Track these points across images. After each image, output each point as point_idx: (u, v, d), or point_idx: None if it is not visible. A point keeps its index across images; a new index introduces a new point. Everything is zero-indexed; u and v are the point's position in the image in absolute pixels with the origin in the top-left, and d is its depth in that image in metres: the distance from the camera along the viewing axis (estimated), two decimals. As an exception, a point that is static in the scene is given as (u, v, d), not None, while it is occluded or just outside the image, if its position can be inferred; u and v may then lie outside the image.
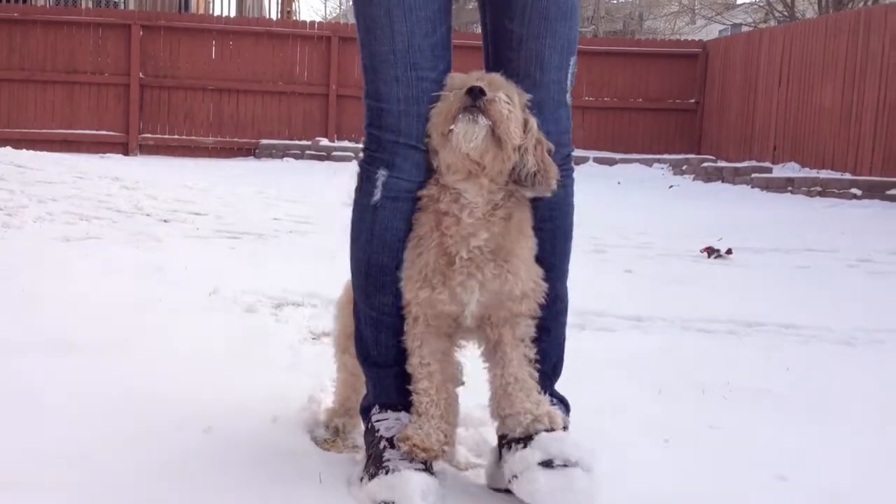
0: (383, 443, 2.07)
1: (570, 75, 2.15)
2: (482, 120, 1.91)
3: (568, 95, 2.15)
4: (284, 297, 4.09)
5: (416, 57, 2.04)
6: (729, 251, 6.44)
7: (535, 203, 2.10)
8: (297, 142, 15.17)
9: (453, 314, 2.04)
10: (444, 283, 1.99)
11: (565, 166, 2.15)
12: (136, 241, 5.73)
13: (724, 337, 3.92)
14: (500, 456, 2.05)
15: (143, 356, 2.97)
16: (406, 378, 2.11)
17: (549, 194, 2.04)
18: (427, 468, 2.00)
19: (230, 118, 15.36)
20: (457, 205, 1.99)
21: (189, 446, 2.17)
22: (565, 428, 2.03)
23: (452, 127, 1.93)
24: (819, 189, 11.19)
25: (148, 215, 6.98)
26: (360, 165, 2.15)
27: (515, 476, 1.92)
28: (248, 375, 2.82)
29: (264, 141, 15.10)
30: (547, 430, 1.96)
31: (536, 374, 2.07)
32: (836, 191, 11.06)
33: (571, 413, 2.23)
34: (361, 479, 2.01)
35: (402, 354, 2.11)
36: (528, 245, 2.07)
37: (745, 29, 21.85)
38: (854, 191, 10.91)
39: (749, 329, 4.05)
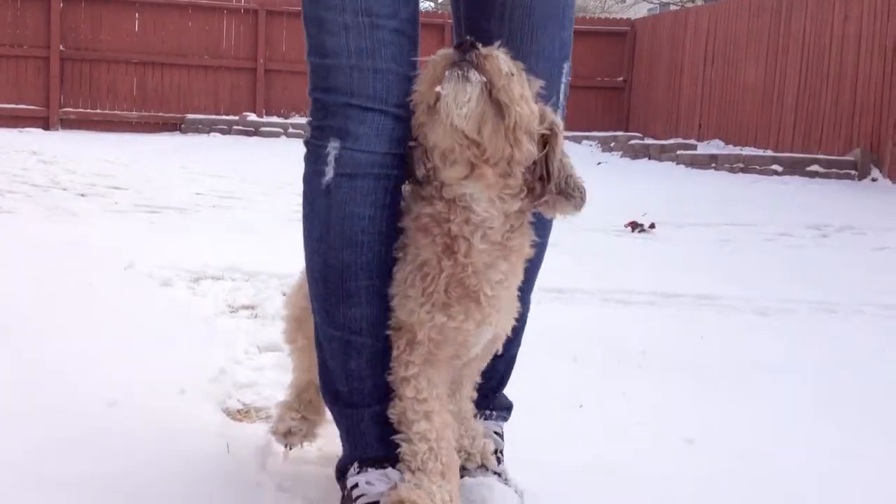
0: None
1: (562, 86, 1.75)
2: (475, 76, 1.47)
3: (559, 113, 1.72)
4: (203, 271, 4.02)
5: (370, 0, 1.61)
6: (652, 226, 6.54)
7: None
8: (224, 116, 14.91)
9: (467, 347, 1.68)
10: (467, 313, 1.62)
11: None
12: (52, 215, 5.58)
13: (643, 308, 3.98)
14: None
15: (53, 332, 2.88)
16: (390, 422, 1.67)
17: (576, 212, 1.61)
18: None
19: (154, 92, 15.00)
20: (468, 226, 1.58)
21: (91, 420, 2.11)
22: (499, 457, 1.90)
23: (439, 88, 1.51)
24: (742, 165, 11.40)
25: (65, 189, 6.80)
26: (307, 143, 1.70)
27: None
28: (159, 349, 2.76)
29: (190, 116, 14.80)
30: (478, 466, 1.85)
31: (475, 395, 1.88)
32: (758, 167, 11.28)
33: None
34: None
35: (381, 389, 1.68)
36: (517, 283, 1.73)
37: (672, 7, 22.12)
38: (775, 167, 11.15)
39: (668, 300, 4.12)
